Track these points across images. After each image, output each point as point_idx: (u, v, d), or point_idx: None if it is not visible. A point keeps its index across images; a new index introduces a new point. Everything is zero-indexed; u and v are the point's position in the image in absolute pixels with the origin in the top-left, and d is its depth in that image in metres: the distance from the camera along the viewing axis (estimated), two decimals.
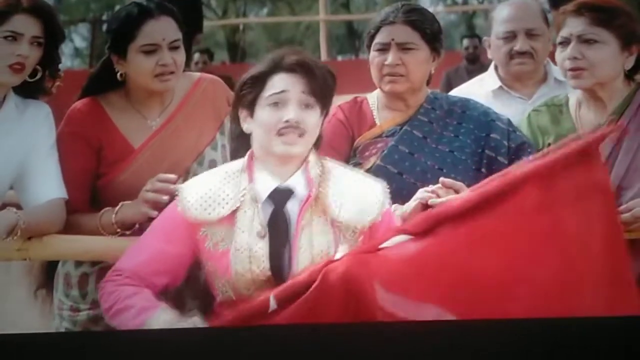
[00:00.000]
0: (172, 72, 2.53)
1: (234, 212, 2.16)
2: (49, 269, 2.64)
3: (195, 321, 2.07)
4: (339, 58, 15.14)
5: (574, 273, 2.08)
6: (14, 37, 2.44)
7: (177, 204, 2.20)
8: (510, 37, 3.02)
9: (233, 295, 2.15)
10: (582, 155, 2.14)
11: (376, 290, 2.05)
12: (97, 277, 2.49)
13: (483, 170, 2.54)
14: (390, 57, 2.56)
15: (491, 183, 2.17)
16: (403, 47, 2.56)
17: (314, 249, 2.14)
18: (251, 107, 2.19)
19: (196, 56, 8.13)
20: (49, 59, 2.53)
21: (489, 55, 3.12)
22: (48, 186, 2.49)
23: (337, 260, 2.10)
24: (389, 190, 2.24)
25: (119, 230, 2.44)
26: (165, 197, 2.31)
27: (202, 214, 2.16)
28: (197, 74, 2.74)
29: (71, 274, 2.61)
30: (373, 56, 2.61)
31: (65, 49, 20.07)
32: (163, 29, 2.53)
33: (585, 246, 2.09)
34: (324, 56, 10.68)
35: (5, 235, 2.31)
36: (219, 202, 2.17)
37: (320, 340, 2.03)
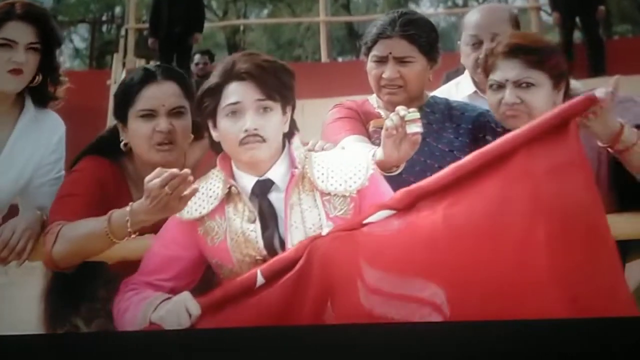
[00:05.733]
0: (170, 143, 2.42)
1: (222, 206, 2.25)
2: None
3: (185, 297, 2.15)
4: (340, 59, 15.12)
5: (558, 246, 2.07)
6: (9, 44, 2.45)
7: None
8: (477, 44, 3.00)
9: None
10: (558, 127, 2.14)
11: (361, 267, 2.08)
12: None
13: None
14: (388, 71, 2.59)
15: (471, 156, 2.18)
16: (401, 61, 2.58)
17: (306, 224, 2.22)
18: (213, 118, 2.24)
19: (197, 57, 8.15)
20: (47, 64, 2.52)
21: (462, 61, 3.11)
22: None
23: (323, 236, 2.15)
24: (373, 157, 2.32)
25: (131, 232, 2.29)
26: None
27: (194, 213, 2.26)
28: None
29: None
30: (371, 67, 2.64)
31: (65, 49, 20.12)
32: (163, 94, 2.43)
33: (565, 218, 2.08)
34: (324, 57, 10.66)
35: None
36: (205, 199, 2.26)
37: (322, 339, 2.04)
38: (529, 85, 2.48)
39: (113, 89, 9.28)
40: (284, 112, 2.28)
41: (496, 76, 2.51)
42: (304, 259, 2.13)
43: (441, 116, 2.66)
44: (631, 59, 8.27)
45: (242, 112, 2.21)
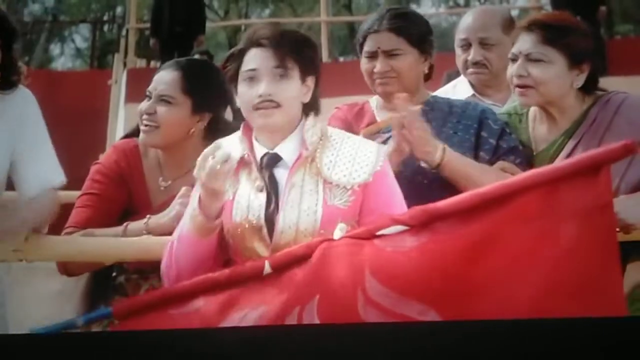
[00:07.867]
0: (153, 126, 2.54)
1: (237, 169, 2.25)
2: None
3: None
4: (341, 59, 15.13)
5: (563, 286, 2.05)
6: None
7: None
8: (465, 46, 3.01)
9: (232, 243, 2.29)
10: (590, 170, 2.10)
11: (365, 277, 2.08)
12: None
13: None
14: (378, 65, 2.63)
15: (493, 186, 2.17)
16: (390, 54, 2.60)
17: (302, 205, 2.25)
18: (234, 83, 2.31)
19: (196, 58, 8.14)
20: (7, 59, 2.47)
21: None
22: (46, 171, 2.49)
23: (336, 240, 2.15)
24: (384, 153, 2.32)
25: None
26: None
27: None
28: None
29: None
30: (363, 62, 2.69)
31: (67, 49, 20.13)
32: (160, 79, 2.56)
33: (578, 261, 2.06)
34: (325, 57, 10.66)
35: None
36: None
37: (321, 341, 2.04)
38: (538, 61, 2.50)
39: (114, 89, 9.30)
40: (303, 81, 2.29)
41: (513, 48, 2.55)
42: (316, 257, 2.13)
43: (441, 114, 2.66)
44: (633, 59, 8.26)
45: (259, 78, 2.25)
